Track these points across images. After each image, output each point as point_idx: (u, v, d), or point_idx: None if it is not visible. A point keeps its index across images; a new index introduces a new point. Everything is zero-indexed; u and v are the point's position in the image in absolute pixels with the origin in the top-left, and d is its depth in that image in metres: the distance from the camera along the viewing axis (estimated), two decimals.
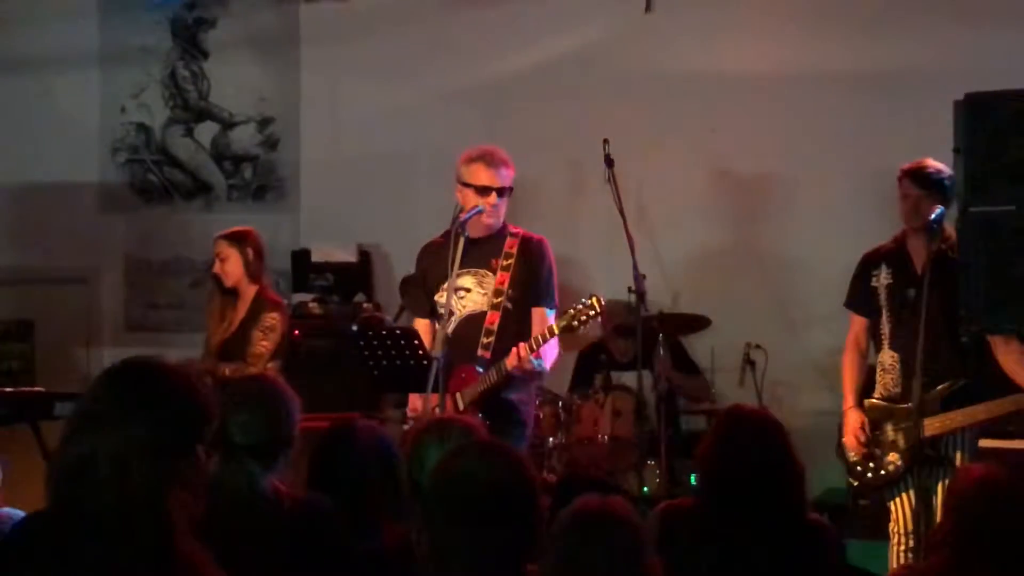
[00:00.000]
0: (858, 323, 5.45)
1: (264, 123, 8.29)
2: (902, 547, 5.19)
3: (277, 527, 3.35)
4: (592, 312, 4.88)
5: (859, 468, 5.27)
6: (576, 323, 4.91)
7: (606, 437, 6.70)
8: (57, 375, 7.43)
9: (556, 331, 4.96)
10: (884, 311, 5.28)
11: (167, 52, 8.36)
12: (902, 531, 5.19)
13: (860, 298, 5.41)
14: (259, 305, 6.14)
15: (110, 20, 8.40)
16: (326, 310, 7.46)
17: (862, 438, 5.23)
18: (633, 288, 6.20)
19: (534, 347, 4.97)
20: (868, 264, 5.38)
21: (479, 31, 7.85)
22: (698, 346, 7.34)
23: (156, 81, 8.37)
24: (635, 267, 6.13)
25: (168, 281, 7.97)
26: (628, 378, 6.77)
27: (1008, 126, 4.60)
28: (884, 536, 5.44)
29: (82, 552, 2.42)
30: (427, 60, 7.92)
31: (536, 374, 5.20)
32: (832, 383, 6.68)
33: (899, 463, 5.16)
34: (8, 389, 6.59)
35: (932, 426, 4.99)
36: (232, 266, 6.15)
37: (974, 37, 6.93)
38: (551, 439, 6.67)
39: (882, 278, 5.31)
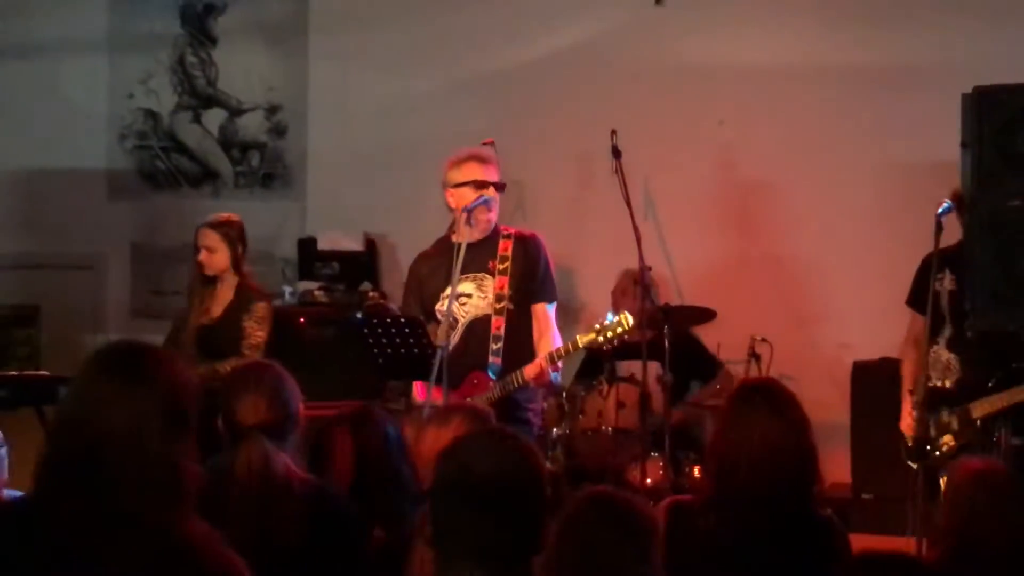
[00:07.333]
0: (919, 321, 5.31)
1: (272, 111, 8.28)
2: None
3: (290, 509, 3.36)
4: (619, 330, 4.85)
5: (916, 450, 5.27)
6: (601, 339, 4.89)
7: (610, 429, 6.69)
8: (62, 361, 7.42)
9: (580, 345, 4.95)
10: (947, 316, 5.23)
11: (176, 38, 8.35)
12: None
13: (922, 297, 5.21)
14: (247, 295, 6.02)
15: (119, 6, 8.40)
16: (332, 298, 7.46)
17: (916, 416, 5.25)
18: (639, 280, 6.19)
19: (555, 359, 4.97)
20: (930, 266, 5.11)
21: (488, 21, 7.84)
22: (704, 339, 7.33)
23: (164, 67, 8.36)
24: (641, 259, 6.12)
25: (174, 268, 7.95)
26: (635, 366, 6.71)
27: (1016, 120, 4.56)
28: (886, 530, 5.45)
29: (90, 539, 2.39)
30: (435, 50, 7.91)
31: (551, 387, 5.22)
32: (836, 377, 6.71)
33: (952, 444, 5.21)
34: (13, 373, 6.60)
35: (979, 408, 5.08)
36: (220, 257, 6.01)
37: (982, 30, 6.91)
38: (555, 430, 6.66)
39: (946, 283, 5.22)
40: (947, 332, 5.24)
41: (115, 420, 2.42)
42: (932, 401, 5.21)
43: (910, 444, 5.27)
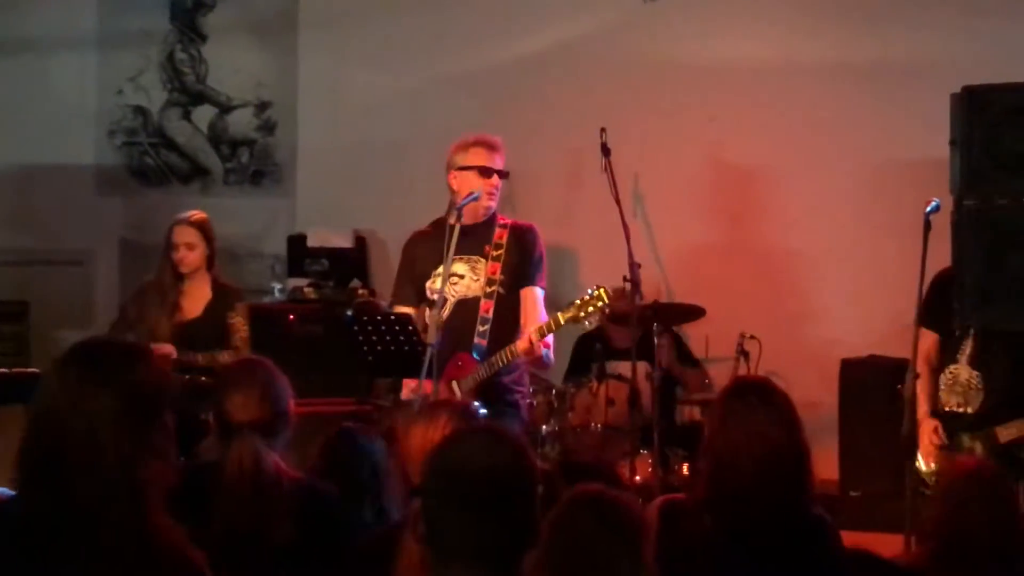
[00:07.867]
0: (930, 338, 5.05)
1: (262, 107, 8.28)
2: None
3: (280, 506, 3.37)
4: (599, 303, 4.85)
5: (936, 480, 4.73)
6: (582, 314, 4.89)
7: (599, 425, 6.70)
8: (52, 357, 7.41)
9: (562, 323, 4.94)
10: (969, 330, 4.91)
11: (165, 35, 8.35)
12: None
13: (937, 316, 4.92)
14: (228, 292, 6.08)
15: (108, 2, 8.39)
16: (321, 295, 7.45)
17: (936, 441, 4.91)
18: (628, 277, 6.20)
19: (544, 332, 4.97)
20: (948, 283, 4.81)
21: (478, 18, 7.85)
22: (692, 336, 7.34)
23: (154, 64, 8.36)
24: (630, 256, 6.13)
25: None
26: (624, 367, 6.75)
27: (1005, 119, 4.56)
28: (874, 527, 5.45)
29: (58, 538, 2.41)
30: (425, 46, 7.92)
31: (543, 363, 5.21)
32: (824, 374, 6.72)
33: None
34: (2, 370, 6.59)
35: (1007, 431, 4.80)
36: (198, 255, 6.01)
37: (972, 29, 6.94)
38: (544, 427, 6.67)
39: None
40: (967, 349, 4.95)
41: (72, 420, 2.44)
42: (949, 427, 4.94)
43: (928, 472, 4.89)
